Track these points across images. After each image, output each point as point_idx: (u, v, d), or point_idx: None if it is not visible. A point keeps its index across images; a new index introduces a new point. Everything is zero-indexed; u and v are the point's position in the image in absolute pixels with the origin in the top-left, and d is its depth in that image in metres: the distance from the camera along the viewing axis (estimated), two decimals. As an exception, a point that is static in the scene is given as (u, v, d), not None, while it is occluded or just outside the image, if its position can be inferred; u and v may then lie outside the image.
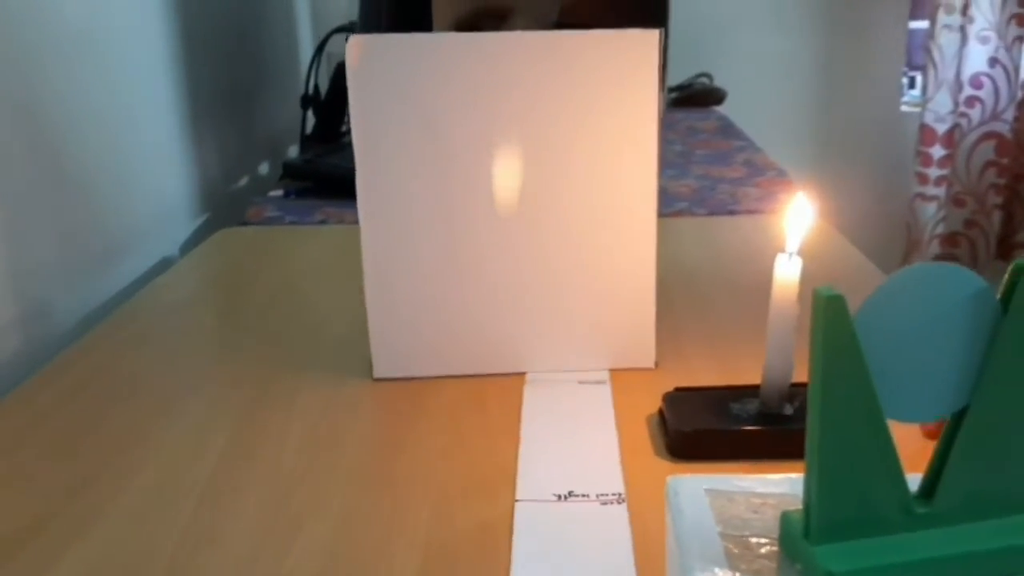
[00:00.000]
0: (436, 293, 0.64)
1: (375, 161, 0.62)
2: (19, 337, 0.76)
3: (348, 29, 1.39)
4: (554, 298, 0.64)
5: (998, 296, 0.32)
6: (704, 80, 2.07)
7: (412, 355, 0.65)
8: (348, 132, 0.62)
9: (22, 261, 0.77)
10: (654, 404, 0.60)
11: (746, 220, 1.06)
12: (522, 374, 0.66)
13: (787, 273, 0.53)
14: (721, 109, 1.94)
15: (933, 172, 2.17)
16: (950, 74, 2.12)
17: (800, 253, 0.53)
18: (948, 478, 0.33)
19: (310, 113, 1.45)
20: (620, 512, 0.50)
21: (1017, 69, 2.09)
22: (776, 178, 1.26)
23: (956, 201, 2.18)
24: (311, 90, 1.43)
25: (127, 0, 0.98)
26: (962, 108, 2.12)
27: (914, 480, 0.33)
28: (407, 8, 0.93)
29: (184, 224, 1.13)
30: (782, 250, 0.53)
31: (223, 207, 1.25)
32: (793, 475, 0.38)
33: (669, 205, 1.11)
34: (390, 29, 0.98)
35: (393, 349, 0.65)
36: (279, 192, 1.22)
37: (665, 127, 1.63)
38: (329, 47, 1.44)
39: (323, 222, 1.09)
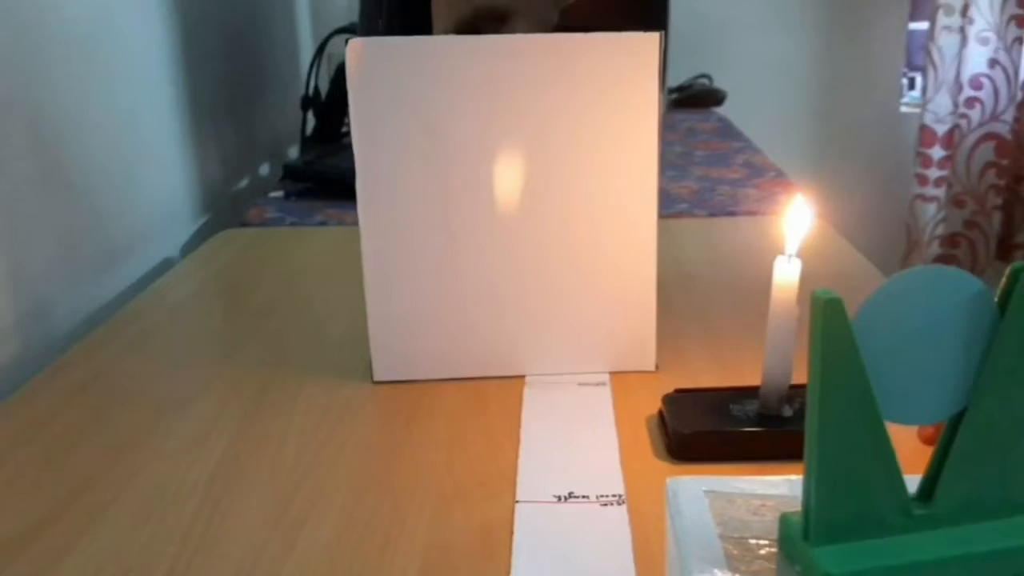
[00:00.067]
0: (436, 295, 0.64)
1: (375, 163, 0.62)
2: (20, 339, 0.76)
3: (348, 30, 1.39)
4: (554, 301, 0.65)
5: (996, 299, 0.33)
6: (704, 81, 2.08)
7: (412, 358, 0.65)
8: (348, 134, 0.62)
9: (23, 263, 0.77)
10: (654, 405, 0.60)
11: (746, 221, 1.06)
12: (522, 376, 0.66)
13: (787, 275, 0.53)
14: (721, 110, 1.94)
15: (933, 173, 2.17)
16: (950, 75, 2.12)
17: (800, 254, 0.53)
18: (946, 480, 0.33)
19: (310, 114, 1.45)
20: (620, 513, 0.50)
21: (1017, 70, 2.09)
22: (776, 179, 1.26)
23: (956, 202, 2.18)
24: (311, 91, 1.43)
25: (128, 1, 0.98)
26: (962, 109, 2.13)
27: (913, 482, 0.34)
28: (407, 10, 0.93)
29: (185, 225, 1.13)
30: (782, 252, 0.53)
31: (224, 208, 1.26)
32: (792, 477, 0.38)
33: (669, 206, 1.12)
34: (390, 31, 0.98)
35: (393, 352, 0.65)
36: (280, 193, 1.22)
37: (665, 128, 1.63)
38: (329, 48, 1.44)
39: (323, 224, 1.09)
